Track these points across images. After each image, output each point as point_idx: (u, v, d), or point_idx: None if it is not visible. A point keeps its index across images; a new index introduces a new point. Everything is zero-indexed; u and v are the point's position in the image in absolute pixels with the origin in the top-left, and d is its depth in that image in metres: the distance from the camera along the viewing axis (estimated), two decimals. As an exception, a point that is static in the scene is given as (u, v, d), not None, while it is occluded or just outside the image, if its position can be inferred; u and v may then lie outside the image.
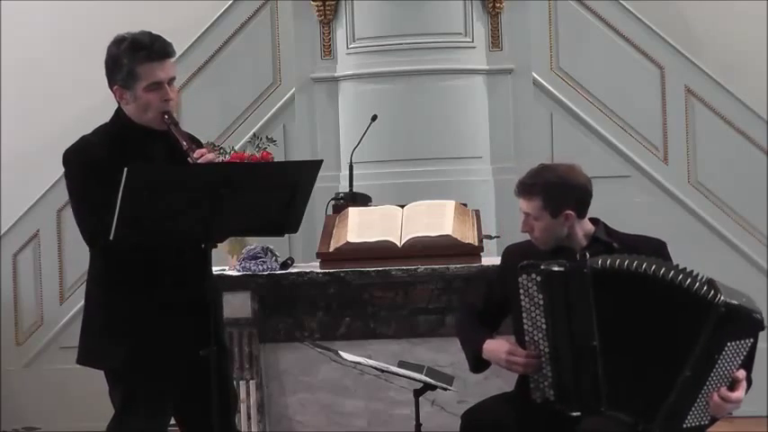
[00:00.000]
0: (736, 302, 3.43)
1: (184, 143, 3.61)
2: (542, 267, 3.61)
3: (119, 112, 3.74)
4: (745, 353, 3.47)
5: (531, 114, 6.45)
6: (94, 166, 3.59)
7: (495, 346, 3.80)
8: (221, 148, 5.27)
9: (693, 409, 3.46)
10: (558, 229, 3.80)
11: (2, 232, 7.00)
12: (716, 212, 6.65)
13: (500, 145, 6.29)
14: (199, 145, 3.73)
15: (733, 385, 3.48)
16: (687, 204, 6.65)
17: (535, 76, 6.55)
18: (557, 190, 3.77)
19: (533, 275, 3.62)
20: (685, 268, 3.52)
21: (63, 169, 3.72)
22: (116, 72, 3.67)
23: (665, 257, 3.72)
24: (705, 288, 3.45)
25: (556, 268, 3.60)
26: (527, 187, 3.81)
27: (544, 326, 3.63)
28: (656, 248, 3.79)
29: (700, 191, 6.68)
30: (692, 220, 6.63)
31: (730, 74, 6.79)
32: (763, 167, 6.60)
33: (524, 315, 3.67)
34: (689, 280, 3.47)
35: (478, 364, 3.90)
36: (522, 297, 3.65)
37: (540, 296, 3.61)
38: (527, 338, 3.68)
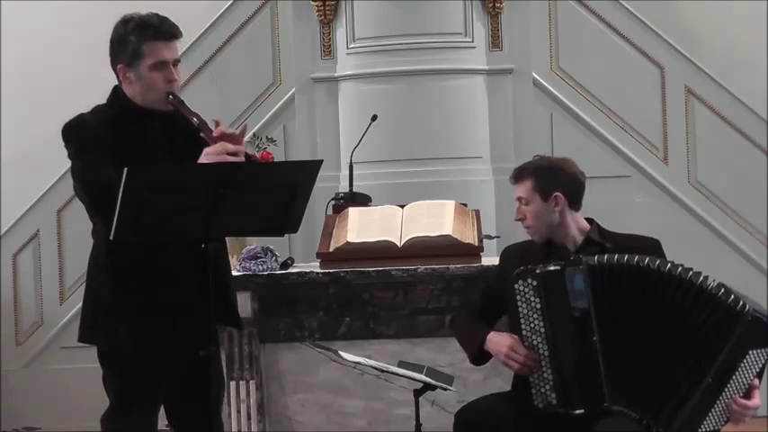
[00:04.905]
0: (761, 312, 3.43)
1: (195, 120, 3.56)
2: (538, 271, 3.62)
3: (117, 92, 3.71)
4: (763, 362, 3.47)
5: (531, 114, 6.46)
6: (96, 138, 3.58)
7: (500, 339, 3.80)
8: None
9: (710, 414, 3.46)
10: (549, 214, 3.83)
11: (2, 232, 7.00)
12: (716, 212, 6.65)
13: (500, 145, 6.29)
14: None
15: (749, 392, 3.49)
16: (687, 204, 6.65)
17: (535, 76, 6.55)
18: (547, 172, 3.86)
19: (529, 280, 3.63)
20: (691, 269, 3.51)
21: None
22: (121, 51, 3.65)
23: (660, 256, 3.73)
24: (723, 292, 3.44)
25: (552, 268, 3.62)
26: (519, 171, 3.91)
27: (543, 329, 3.63)
28: (651, 247, 3.81)
29: (700, 191, 6.68)
30: (692, 220, 6.63)
31: (730, 74, 6.79)
32: (763, 167, 6.60)
33: (522, 321, 3.68)
34: (702, 280, 3.46)
35: (480, 355, 3.91)
36: (519, 304, 3.66)
37: (537, 300, 3.63)
38: (526, 344, 3.69)
